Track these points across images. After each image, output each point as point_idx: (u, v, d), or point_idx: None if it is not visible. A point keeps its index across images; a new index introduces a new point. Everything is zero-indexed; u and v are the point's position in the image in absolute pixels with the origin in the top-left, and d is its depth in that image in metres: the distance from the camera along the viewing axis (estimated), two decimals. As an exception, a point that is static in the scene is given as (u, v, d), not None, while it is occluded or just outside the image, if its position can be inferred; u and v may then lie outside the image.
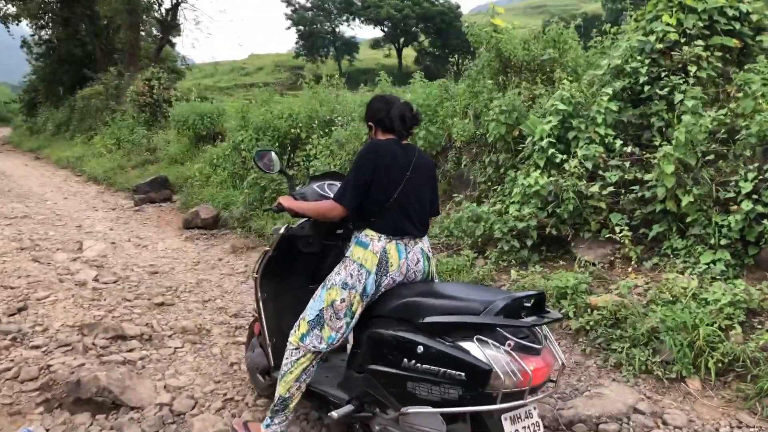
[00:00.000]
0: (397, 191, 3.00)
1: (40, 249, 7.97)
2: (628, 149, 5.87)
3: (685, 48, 5.99)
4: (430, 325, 2.63)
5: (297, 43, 64.27)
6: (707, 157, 5.25)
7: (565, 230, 5.82)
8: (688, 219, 5.15)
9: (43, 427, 3.78)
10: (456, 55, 67.34)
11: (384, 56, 66.54)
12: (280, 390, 3.19)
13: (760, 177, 4.89)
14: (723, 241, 4.89)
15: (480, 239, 6.32)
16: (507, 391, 2.44)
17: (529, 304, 2.64)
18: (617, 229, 5.44)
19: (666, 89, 5.94)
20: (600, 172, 5.79)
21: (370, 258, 3.00)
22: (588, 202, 5.69)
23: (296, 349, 3.14)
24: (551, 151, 6.03)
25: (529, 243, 5.84)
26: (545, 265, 5.81)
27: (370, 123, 3.23)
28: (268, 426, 3.24)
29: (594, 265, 5.34)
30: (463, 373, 2.46)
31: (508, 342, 2.43)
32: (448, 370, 2.50)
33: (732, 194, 4.99)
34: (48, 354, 4.74)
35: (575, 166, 5.74)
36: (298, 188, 3.64)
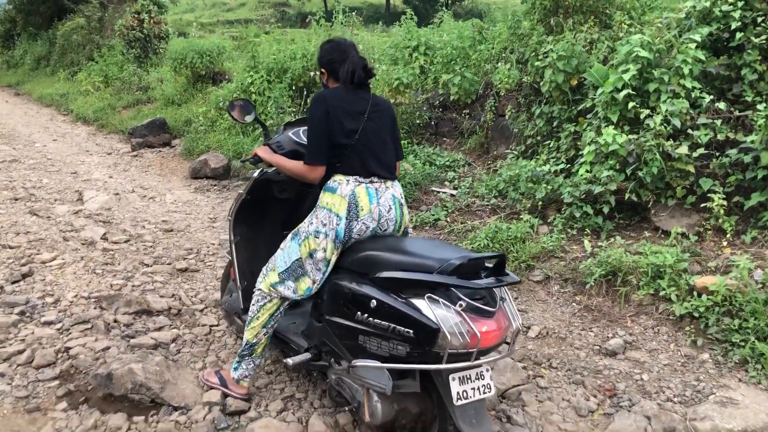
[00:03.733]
0: (357, 133, 2.95)
1: (36, 199, 7.17)
2: (720, 105, 5.16)
3: (787, -11, 5.24)
4: (385, 281, 2.61)
5: (283, -23, 61.89)
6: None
7: (646, 196, 5.15)
8: (799, 188, 4.51)
9: (69, 428, 3.12)
10: (446, -4, 66.19)
11: (372, -6, 64.68)
12: (247, 335, 3.23)
13: None
14: None
15: (541, 202, 5.64)
16: (454, 352, 2.43)
17: (490, 265, 2.62)
18: (712, 196, 4.79)
19: (763, 37, 5.21)
20: (688, 131, 5.10)
21: (338, 202, 2.92)
22: (674, 164, 5.01)
23: (266, 296, 3.14)
24: (630, 105, 5.31)
25: (605, 210, 5.17)
26: (622, 235, 5.17)
27: (323, 69, 3.15)
28: (235, 370, 3.33)
29: (686, 237, 4.69)
30: (411, 331, 2.47)
31: (459, 302, 2.42)
32: (398, 327, 2.51)
33: None
34: (64, 333, 4.05)
35: (660, 123, 5.03)
36: (275, 137, 3.47)
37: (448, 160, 7.35)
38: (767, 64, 5.30)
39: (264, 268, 3.21)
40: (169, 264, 5.37)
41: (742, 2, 5.37)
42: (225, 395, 3.39)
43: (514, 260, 4.98)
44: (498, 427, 3.18)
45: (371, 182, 2.97)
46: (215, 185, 8.47)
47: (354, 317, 2.69)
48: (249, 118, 3.72)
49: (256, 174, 3.50)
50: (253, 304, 3.20)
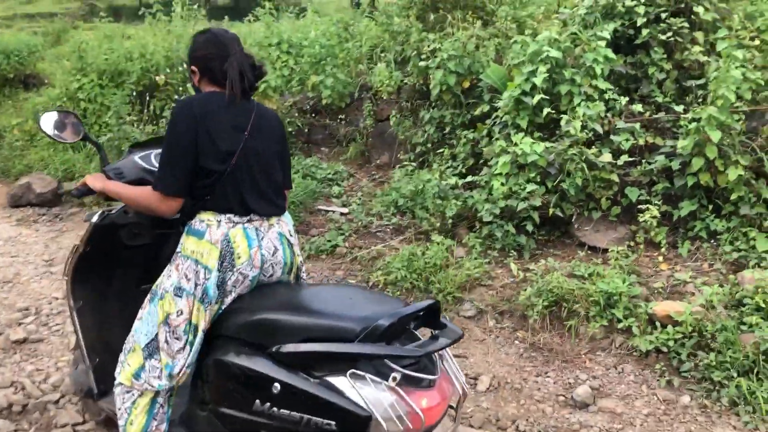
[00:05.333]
0: (234, 157, 2.26)
1: None
2: (636, 107, 4.84)
3: (688, -16, 5.03)
4: (289, 355, 2.00)
5: (90, -32, 57.48)
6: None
7: (569, 209, 4.71)
8: (733, 195, 4.25)
9: None
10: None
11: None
12: None
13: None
14: (785, 224, 4.05)
15: (451, 220, 5.04)
16: None
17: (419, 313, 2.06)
18: (643, 207, 4.43)
19: (667, 34, 4.96)
20: (608, 137, 4.72)
21: (207, 250, 2.25)
22: (597, 174, 4.60)
23: (128, 390, 2.34)
24: (545, 110, 4.84)
25: (529, 227, 4.65)
26: (545, 253, 4.70)
27: (193, 67, 2.43)
28: None
29: (625, 255, 4.28)
30: (333, 423, 1.90)
31: (392, 375, 1.86)
32: (314, 418, 1.92)
33: (788, 166, 4.15)
34: None
35: (581, 130, 4.60)
36: (116, 162, 2.78)
37: (329, 172, 6.56)
38: (673, 62, 5.07)
39: (122, 353, 2.41)
40: (0, 335, 4.12)
41: (645, -2, 5.10)
42: None
43: (439, 293, 4.32)
44: None
45: (250, 221, 2.32)
46: (44, 215, 6.97)
47: (251, 407, 2.03)
48: (67, 137, 2.88)
49: (95, 218, 2.70)
50: (119, 407, 2.38)
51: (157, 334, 2.29)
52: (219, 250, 2.24)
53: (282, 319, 2.12)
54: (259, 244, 2.31)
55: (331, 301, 2.23)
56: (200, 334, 2.26)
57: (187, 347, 2.26)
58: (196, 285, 2.24)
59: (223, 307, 2.29)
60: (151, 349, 2.30)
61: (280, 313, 2.16)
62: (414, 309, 2.02)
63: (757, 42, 4.66)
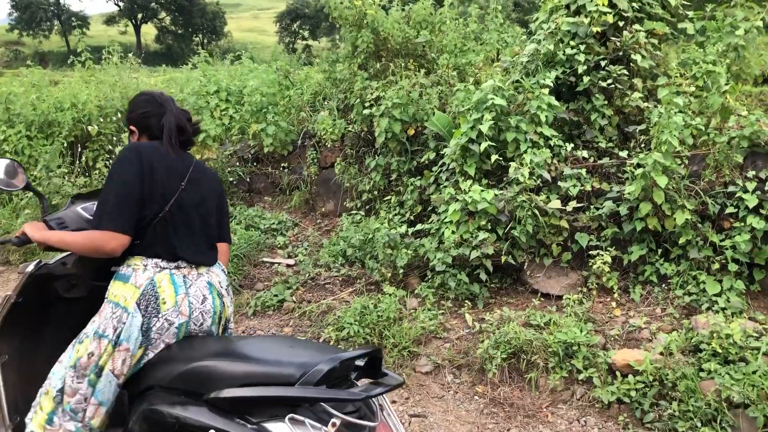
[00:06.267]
0: (168, 204, 2.29)
1: None
2: (581, 153, 4.88)
3: (625, 32, 5.16)
4: (226, 401, 1.93)
5: (11, 14, 56.28)
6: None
7: (521, 256, 4.68)
8: (681, 239, 4.29)
9: None
10: (200, 35, 64.41)
11: (120, 33, 61.37)
12: None
13: (762, 188, 4.17)
14: (732, 267, 4.10)
15: (402, 270, 4.93)
16: None
17: (360, 363, 2.03)
18: (593, 253, 4.44)
19: (608, 81, 5.06)
20: (557, 183, 4.74)
21: (130, 293, 2.22)
22: (547, 220, 4.60)
23: None
24: (493, 157, 4.83)
25: (482, 276, 4.58)
26: (498, 301, 4.64)
27: (132, 127, 2.51)
28: None
29: (580, 303, 4.25)
30: None
31: (332, 421, 1.80)
32: None
33: (732, 209, 4.22)
34: None
35: (529, 176, 4.60)
36: (57, 212, 2.70)
37: (273, 222, 6.38)
38: (613, 108, 5.17)
39: (37, 396, 2.34)
40: None
41: (584, 45, 5.19)
42: None
43: (393, 348, 4.18)
44: None
45: (177, 267, 2.32)
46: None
47: None
48: (18, 184, 2.83)
49: (30, 267, 2.58)
50: None
51: (65, 377, 2.25)
52: (141, 292, 2.21)
53: (219, 366, 2.03)
54: (187, 291, 2.29)
55: (270, 349, 2.15)
56: (105, 376, 2.19)
57: (88, 390, 2.20)
58: (114, 329, 2.20)
59: (150, 356, 2.24)
60: (63, 392, 2.24)
61: (216, 360, 2.07)
62: (355, 354, 1.96)
63: (692, 88, 4.79)
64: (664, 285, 4.38)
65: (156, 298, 2.23)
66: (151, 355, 2.25)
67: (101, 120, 8.12)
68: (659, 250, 4.46)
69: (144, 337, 2.22)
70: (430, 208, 5.41)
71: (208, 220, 2.47)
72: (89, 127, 7.88)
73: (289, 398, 1.86)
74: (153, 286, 2.24)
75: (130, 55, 9.38)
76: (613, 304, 4.36)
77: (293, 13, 57.61)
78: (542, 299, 4.55)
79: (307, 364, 1.90)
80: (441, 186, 5.22)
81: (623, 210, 4.46)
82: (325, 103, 7.13)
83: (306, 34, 56.72)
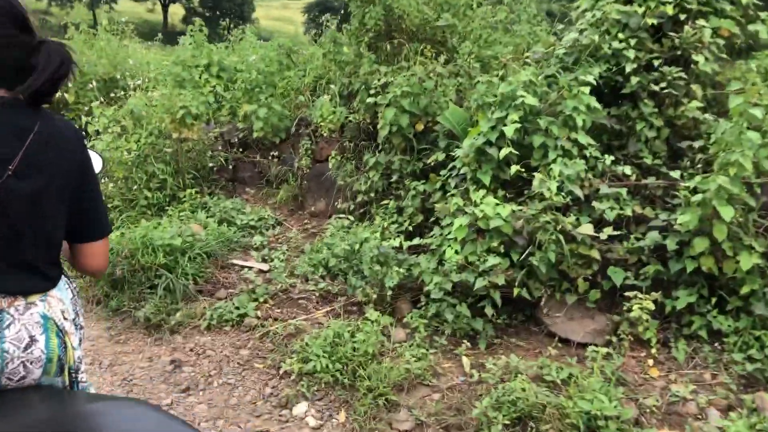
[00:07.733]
0: None
1: None
2: (623, 169, 3.98)
3: (687, 28, 4.25)
4: None
5: (41, -18, 56.22)
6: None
7: (538, 290, 3.78)
8: (744, 288, 3.38)
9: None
10: (227, 19, 64.04)
11: (147, 11, 60.92)
12: None
13: None
14: (809, 330, 3.19)
15: (391, 291, 4.05)
16: None
17: None
18: (630, 294, 3.53)
19: (660, 84, 4.16)
20: (591, 203, 3.84)
21: None
22: (574, 248, 3.70)
23: None
24: (513, 168, 3.94)
25: (488, 311, 3.69)
26: (506, 342, 3.75)
27: None
28: None
29: (608, 356, 3.35)
30: None
31: None
32: None
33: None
34: None
35: (556, 192, 3.70)
36: None
37: (252, 218, 5.52)
38: (664, 118, 4.26)
39: None
40: None
41: (635, 40, 4.29)
42: None
43: (367, 393, 3.29)
44: None
45: None
46: None
47: None
48: None
49: None
50: None
51: None
52: None
53: None
54: (3, 334, 1.53)
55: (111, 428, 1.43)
56: None
57: None
58: None
59: None
60: None
61: None
62: None
63: None
64: (716, 344, 3.48)
65: None
66: None
67: (88, 86, 7.33)
68: (713, 299, 3.54)
69: None
70: (432, 219, 4.54)
71: (51, 219, 1.64)
72: (66, 94, 7.07)
73: None
74: None
75: (124, 20, 8.54)
76: (650, 361, 3.46)
77: (321, 5, 57.00)
78: (560, 346, 3.65)
79: None
80: (448, 194, 4.33)
81: (671, 244, 3.55)
82: (328, 87, 6.25)
83: (333, 26, 56.12)
